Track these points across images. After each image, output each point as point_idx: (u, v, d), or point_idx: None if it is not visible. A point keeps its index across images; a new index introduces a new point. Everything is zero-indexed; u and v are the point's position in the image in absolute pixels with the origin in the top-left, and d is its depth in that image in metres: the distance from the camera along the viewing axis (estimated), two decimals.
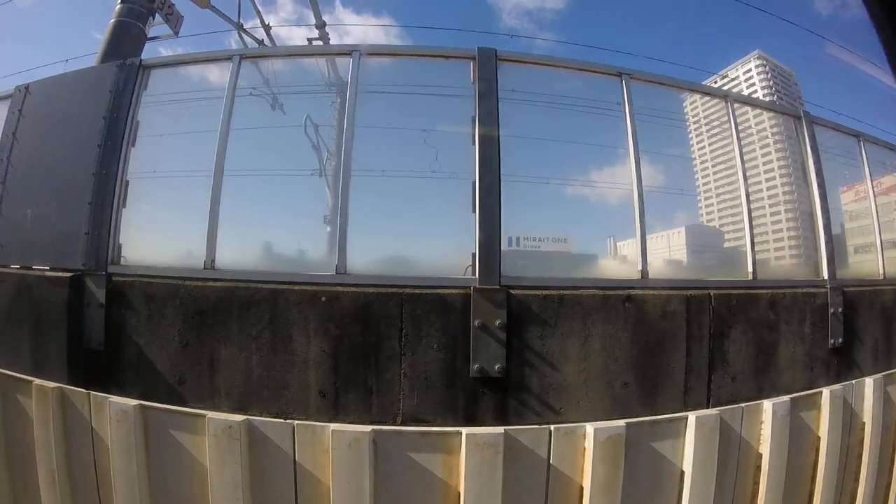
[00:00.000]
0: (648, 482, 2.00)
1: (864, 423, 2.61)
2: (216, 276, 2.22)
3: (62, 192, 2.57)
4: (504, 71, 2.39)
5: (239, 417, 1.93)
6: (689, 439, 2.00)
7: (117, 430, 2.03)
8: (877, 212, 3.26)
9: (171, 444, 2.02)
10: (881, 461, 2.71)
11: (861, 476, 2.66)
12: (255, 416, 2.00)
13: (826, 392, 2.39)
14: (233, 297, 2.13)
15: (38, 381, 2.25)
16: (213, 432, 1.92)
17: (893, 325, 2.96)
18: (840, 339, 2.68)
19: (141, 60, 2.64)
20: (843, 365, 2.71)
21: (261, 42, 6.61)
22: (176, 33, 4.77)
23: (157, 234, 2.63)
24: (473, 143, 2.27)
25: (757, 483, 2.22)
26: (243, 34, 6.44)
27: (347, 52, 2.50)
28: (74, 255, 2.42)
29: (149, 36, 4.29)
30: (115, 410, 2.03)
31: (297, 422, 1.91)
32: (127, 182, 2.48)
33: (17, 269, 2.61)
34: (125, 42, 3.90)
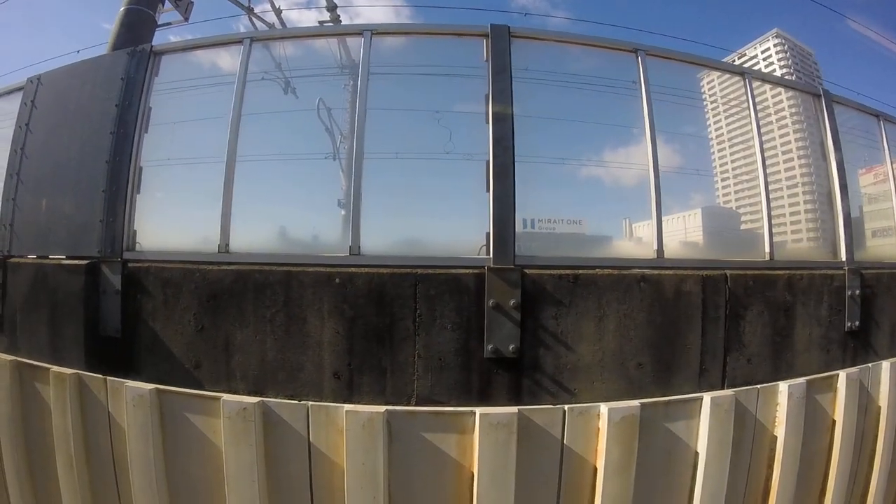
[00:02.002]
0: (662, 463, 1.99)
1: (879, 407, 2.58)
2: (230, 259, 2.23)
3: (76, 181, 2.60)
4: (517, 48, 2.35)
5: (253, 399, 1.95)
6: (704, 420, 1.99)
7: (134, 414, 2.06)
8: None
9: (187, 427, 2.04)
10: None
11: (876, 460, 2.63)
12: (270, 398, 2.02)
13: (842, 375, 2.35)
14: (247, 280, 2.14)
15: (55, 368, 2.29)
16: (228, 414, 1.93)
17: None
18: (857, 322, 2.64)
19: (152, 47, 2.64)
20: (859, 348, 2.67)
21: (271, 26, 6.57)
22: (186, 19, 4.77)
23: (172, 220, 2.65)
24: (487, 122, 2.24)
25: (771, 465, 2.20)
26: (254, 18, 6.40)
27: (358, 32, 2.48)
28: (90, 242, 2.45)
29: (159, 22, 4.29)
30: (131, 395, 2.05)
31: (311, 403, 1.92)
32: (140, 169, 2.49)
33: (34, 258, 2.65)
34: (135, 29, 3.90)
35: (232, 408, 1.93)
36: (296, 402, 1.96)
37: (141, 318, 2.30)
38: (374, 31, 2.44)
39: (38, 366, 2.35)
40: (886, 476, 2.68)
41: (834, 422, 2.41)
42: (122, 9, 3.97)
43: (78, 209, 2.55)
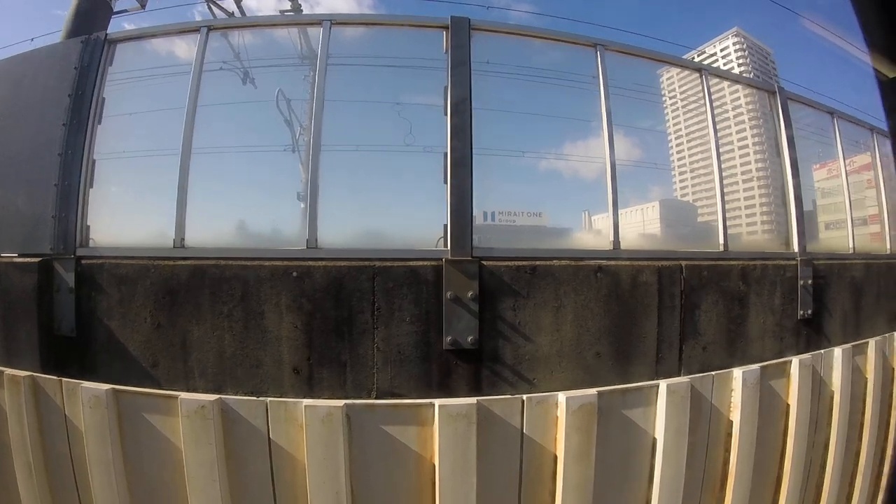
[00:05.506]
0: (621, 450, 2.03)
1: (832, 392, 2.69)
2: (186, 254, 2.18)
3: (28, 174, 2.49)
4: (478, 41, 2.36)
5: (211, 397, 1.91)
6: (661, 407, 2.04)
7: (91, 416, 2.00)
8: (848, 189, 3.34)
9: (146, 428, 1.99)
10: (850, 430, 2.80)
11: (831, 444, 2.74)
12: (229, 395, 1.98)
13: (795, 361, 2.44)
14: (203, 276, 2.09)
15: (9, 370, 2.20)
16: (186, 413, 1.90)
17: (862, 297, 3.04)
18: (810, 311, 2.74)
19: (106, 35, 2.54)
20: (812, 335, 2.78)
21: (231, 14, 6.39)
22: (143, 6, 4.61)
23: (126, 215, 2.57)
24: (446, 114, 2.24)
25: (728, 449, 2.27)
26: (212, 6, 6.22)
27: (318, 21, 2.44)
28: (42, 239, 2.36)
29: (115, 10, 4.14)
30: (87, 396, 1.99)
31: (269, 399, 1.90)
32: (94, 162, 2.41)
33: None
34: (90, 16, 3.75)
35: (190, 406, 1.89)
36: (254, 398, 1.93)
37: (96, 317, 2.22)
38: (334, 20, 2.41)
39: None
40: (841, 458, 2.79)
41: (788, 406, 2.50)
42: None
43: (30, 205, 2.45)
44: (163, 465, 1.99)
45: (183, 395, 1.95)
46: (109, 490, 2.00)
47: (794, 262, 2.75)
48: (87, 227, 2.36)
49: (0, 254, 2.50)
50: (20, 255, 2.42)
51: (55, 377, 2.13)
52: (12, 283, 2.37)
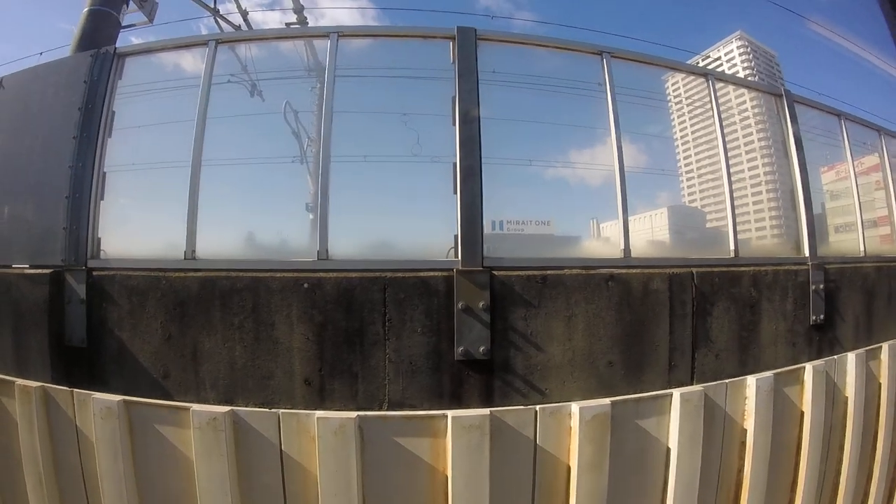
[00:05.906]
0: (635, 460, 2.01)
1: (846, 398, 2.66)
2: (197, 266, 2.19)
3: (39, 187, 2.52)
4: (484, 50, 2.37)
5: (223, 409, 1.91)
6: (675, 416, 2.02)
7: (102, 427, 2.00)
8: (857, 191, 3.31)
9: (157, 439, 1.99)
10: (864, 435, 2.76)
11: (845, 449, 2.70)
12: (240, 406, 1.98)
13: (809, 367, 2.41)
14: (214, 287, 2.10)
15: (20, 381, 2.21)
16: (198, 425, 1.89)
17: (874, 301, 3.01)
18: (822, 316, 2.71)
19: (115, 49, 2.58)
20: (825, 341, 2.75)
21: (237, 27, 6.49)
22: (151, 20, 4.69)
23: (137, 227, 2.60)
24: (454, 124, 2.25)
25: (743, 457, 2.25)
26: (220, 20, 6.31)
27: (325, 34, 2.47)
28: (54, 251, 2.38)
29: (123, 24, 4.20)
30: (99, 407, 2.00)
31: (282, 410, 1.90)
32: (104, 174, 2.43)
33: None
34: (99, 31, 3.81)
35: (202, 418, 1.89)
36: (266, 410, 1.93)
37: (107, 328, 2.24)
38: (341, 33, 2.43)
39: (3, 379, 2.27)
40: (856, 465, 2.75)
41: (802, 413, 2.47)
42: (86, 10, 3.87)
43: (41, 216, 2.48)
44: (174, 476, 1.99)
45: (195, 406, 1.94)
46: (120, 501, 2.00)
47: (805, 267, 2.72)
48: (98, 239, 2.39)
49: (12, 265, 2.53)
50: (32, 267, 2.44)
51: (66, 388, 2.14)
52: (24, 295, 2.39)
